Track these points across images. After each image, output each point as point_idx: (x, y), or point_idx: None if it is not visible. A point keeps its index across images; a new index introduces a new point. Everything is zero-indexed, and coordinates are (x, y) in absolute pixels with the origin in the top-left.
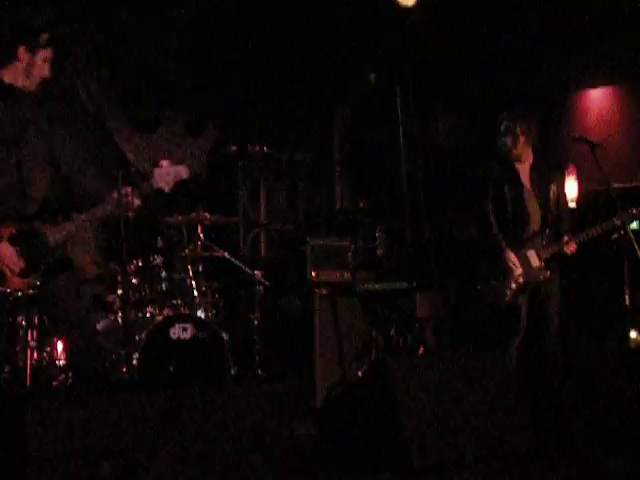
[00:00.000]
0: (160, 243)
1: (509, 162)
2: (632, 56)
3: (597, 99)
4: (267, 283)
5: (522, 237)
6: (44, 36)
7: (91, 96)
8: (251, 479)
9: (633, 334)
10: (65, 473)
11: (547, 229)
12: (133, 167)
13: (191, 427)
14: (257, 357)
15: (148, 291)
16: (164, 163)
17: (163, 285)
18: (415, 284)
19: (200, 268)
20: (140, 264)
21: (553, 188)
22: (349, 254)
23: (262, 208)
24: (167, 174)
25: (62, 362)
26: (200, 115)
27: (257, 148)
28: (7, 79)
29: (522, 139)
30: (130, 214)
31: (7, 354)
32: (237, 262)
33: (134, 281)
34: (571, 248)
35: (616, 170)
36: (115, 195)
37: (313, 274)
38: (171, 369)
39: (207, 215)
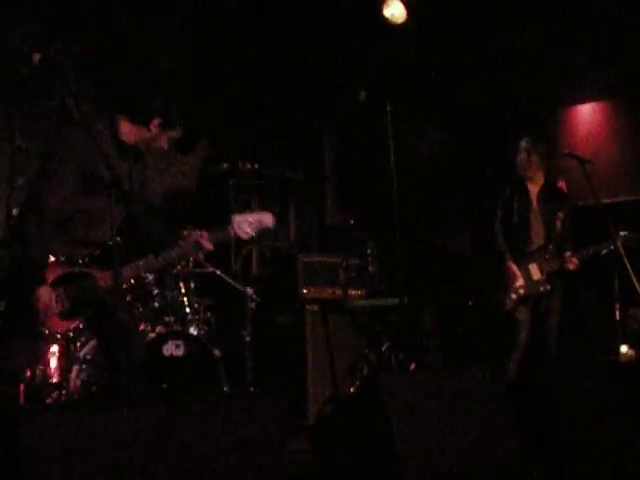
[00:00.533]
0: None
1: (521, 180)
2: (621, 72)
3: (586, 114)
4: (259, 300)
5: (525, 250)
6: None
7: (83, 114)
8: None
9: (624, 349)
10: None
11: (550, 245)
12: (125, 186)
13: (184, 444)
14: (249, 373)
15: (140, 309)
16: (248, 213)
17: (155, 302)
18: (406, 300)
19: (192, 285)
20: (132, 282)
21: (560, 216)
22: (340, 270)
23: None
24: (249, 223)
25: (55, 379)
26: (190, 133)
27: (248, 165)
28: (122, 132)
29: (537, 162)
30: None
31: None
32: (229, 279)
33: (126, 299)
34: (573, 264)
35: (605, 185)
36: (185, 242)
37: (304, 290)
38: (164, 386)
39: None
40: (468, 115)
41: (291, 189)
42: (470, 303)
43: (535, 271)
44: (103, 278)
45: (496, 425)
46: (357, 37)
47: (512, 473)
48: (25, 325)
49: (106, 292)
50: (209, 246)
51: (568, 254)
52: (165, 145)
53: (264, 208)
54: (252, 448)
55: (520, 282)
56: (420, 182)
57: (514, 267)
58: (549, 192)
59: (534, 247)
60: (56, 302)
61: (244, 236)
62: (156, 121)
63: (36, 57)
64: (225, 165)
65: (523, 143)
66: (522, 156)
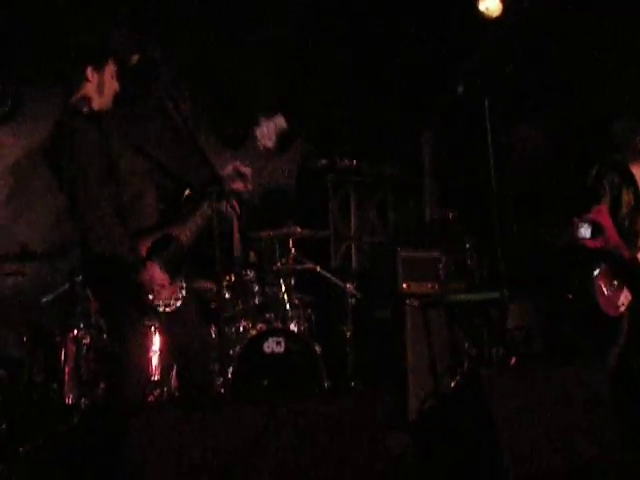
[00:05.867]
0: (252, 258)
1: (626, 166)
2: None
3: None
4: (359, 295)
5: (637, 243)
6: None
7: (181, 114)
8: None
9: None
10: None
11: None
12: (227, 186)
13: (286, 440)
14: (350, 369)
15: (241, 306)
16: (262, 120)
17: (256, 299)
18: (506, 294)
19: (292, 282)
20: (233, 279)
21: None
22: (439, 265)
23: (352, 221)
24: (268, 129)
25: (156, 377)
26: (288, 130)
27: (346, 161)
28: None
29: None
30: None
31: (101, 372)
32: (329, 275)
33: (227, 296)
34: None
35: None
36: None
37: (404, 285)
38: (265, 382)
39: (298, 229)
40: (567, 109)
41: (389, 184)
42: (570, 296)
43: None
44: (182, 233)
45: (599, 422)
46: (454, 32)
47: (614, 471)
48: (138, 309)
49: (189, 244)
50: (246, 169)
51: None
52: (117, 86)
53: (363, 203)
54: (353, 443)
55: None
56: (520, 177)
57: None
58: None
59: None
60: (163, 272)
61: (269, 143)
62: (111, 66)
63: (134, 58)
64: (324, 161)
65: (620, 134)
66: (624, 147)
